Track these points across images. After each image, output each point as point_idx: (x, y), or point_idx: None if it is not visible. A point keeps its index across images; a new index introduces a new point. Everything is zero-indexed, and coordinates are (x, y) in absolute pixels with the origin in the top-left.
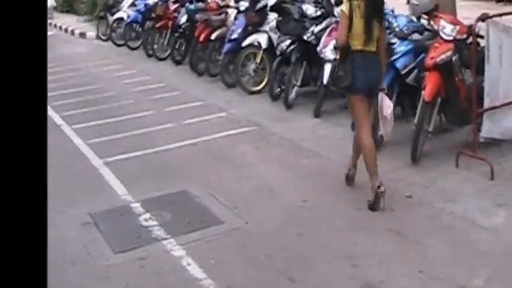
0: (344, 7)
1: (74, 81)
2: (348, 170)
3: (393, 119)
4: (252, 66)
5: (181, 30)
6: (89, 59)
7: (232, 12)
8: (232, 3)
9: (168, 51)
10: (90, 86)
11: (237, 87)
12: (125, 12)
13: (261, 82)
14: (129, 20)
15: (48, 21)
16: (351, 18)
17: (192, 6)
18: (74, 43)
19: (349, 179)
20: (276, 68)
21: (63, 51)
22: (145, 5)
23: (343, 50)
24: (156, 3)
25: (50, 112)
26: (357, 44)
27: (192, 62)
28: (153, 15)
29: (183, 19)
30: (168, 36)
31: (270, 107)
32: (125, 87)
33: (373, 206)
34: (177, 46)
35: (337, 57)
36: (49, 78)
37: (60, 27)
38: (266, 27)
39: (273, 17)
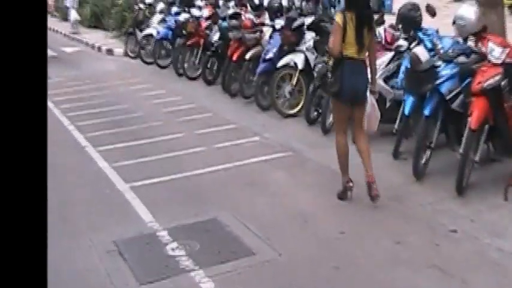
0: (338, 18)
1: (101, 100)
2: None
3: (378, 115)
4: (287, 88)
5: (213, 48)
6: (116, 77)
7: (267, 30)
8: (267, 21)
9: (200, 71)
10: (117, 106)
11: (272, 110)
12: (155, 28)
13: (297, 105)
14: (158, 36)
15: (75, 36)
16: (344, 29)
17: (225, 24)
18: (101, 60)
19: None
20: (313, 91)
21: (90, 68)
22: (176, 21)
23: (337, 59)
24: (187, 20)
25: (74, 133)
26: (350, 53)
27: (224, 82)
28: (184, 32)
29: (216, 37)
30: (199, 54)
31: (307, 131)
32: (154, 107)
33: (341, 196)
34: (209, 65)
35: (330, 62)
36: (74, 96)
37: (87, 43)
38: (303, 47)
39: (310, 36)
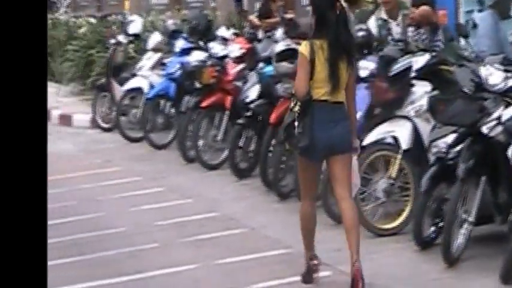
0: (303, 49)
1: (49, 205)
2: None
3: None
4: (382, 185)
5: (249, 113)
6: (78, 165)
7: None
8: None
9: (225, 153)
10: (79, 216)
11: None
12: (145, 78)
13: (398, 214)
14: (152, 93)
15: None
16: (312, 62)
17: (269, 70)
18: (51, 134)
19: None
20: (427, 189)
21: None
22: (183, 65)
23: (305, 103)
24: (203, 63)
25: None
26: (320, 93)
27: (265, 171)
28: (198, 84)
29: (253, 93)
30: (224, 123)
31: (417, 260)
32: (144, 218)
33: (305, 278)
34: (240, 143)
35: (296, 108)
36: None
37: None
38: (409, 110)
39: (422, 90)
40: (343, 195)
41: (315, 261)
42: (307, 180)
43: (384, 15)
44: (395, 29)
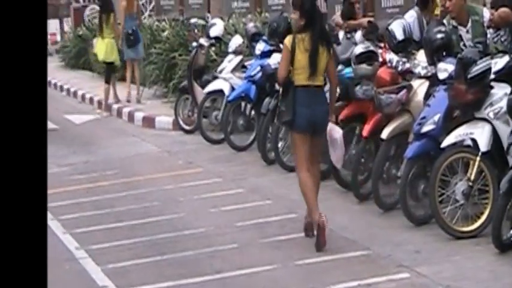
0: (287, 41)
1: (132, 206)
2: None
3: (343, 145)
4: (461, 187)
5: None
6: (159, 166)
7: (421, 84)
8: (420, 69)
9: None
10: (160, 217)
11: (432, 225)
12: (226, 80)
13: (478, 217)
14: (233, 95)
15: (82, 93)
16: (293, 52)
17: (349, 71)
18: (133, 136)
19: (308, 229)
20: (507, 191)
21: (113, 150)
22: (264, 67)
23: (285, 85)
24: None
25: (88, 261)
26: (300, 79)
27: (338, 173)
28: (277, 86)
29: None
30: None
31: (496, 263)
32: (224, 219)
33: (318, 240)
34: None
35: (280, 92)
36: (85, 200)
37: (109, 107)
38: (488, 112)
39: (501, 92)
40: (313, 164)
41: (323, 218)
42: (299, 152)
43: (454, 22)
44: (466, 35)
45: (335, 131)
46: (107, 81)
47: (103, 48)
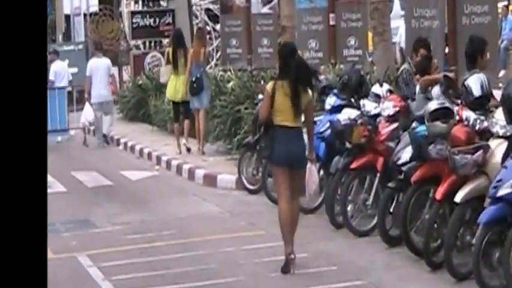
0: (268, 86)
1: (189, 268)
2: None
3: (317, 183)
4: None
5: (401, 176)
6: (219, 227)
7: (498, 144)
8: (498, 128)
9: (376, 219)
10: (218, 280)
11: None
12: None
13: None
14: None
15: (140, 148)
16: (273, 97)
17: (422, 129)
18: (193, 195)
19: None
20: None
21: (171, 210)
22: (333, 123)
23: (266, 124)
24: (353, 122)
25: None
26: (279, 120)
27: (410, 239)
28: (348, 144)
29: (406, 154)
30: (375, 187)
31: None
32: (285, 284)
33: (283, 270)
34: (391, 207)
35: (262, 130)
36: (144, 259)
37: (168, 163)
38: None
39: None
40: (292, 198)
41: (292, 256)
42: (280, 183)
43: None
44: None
45: (312, 181)
46: (186, 118)
47: (180, 85)
